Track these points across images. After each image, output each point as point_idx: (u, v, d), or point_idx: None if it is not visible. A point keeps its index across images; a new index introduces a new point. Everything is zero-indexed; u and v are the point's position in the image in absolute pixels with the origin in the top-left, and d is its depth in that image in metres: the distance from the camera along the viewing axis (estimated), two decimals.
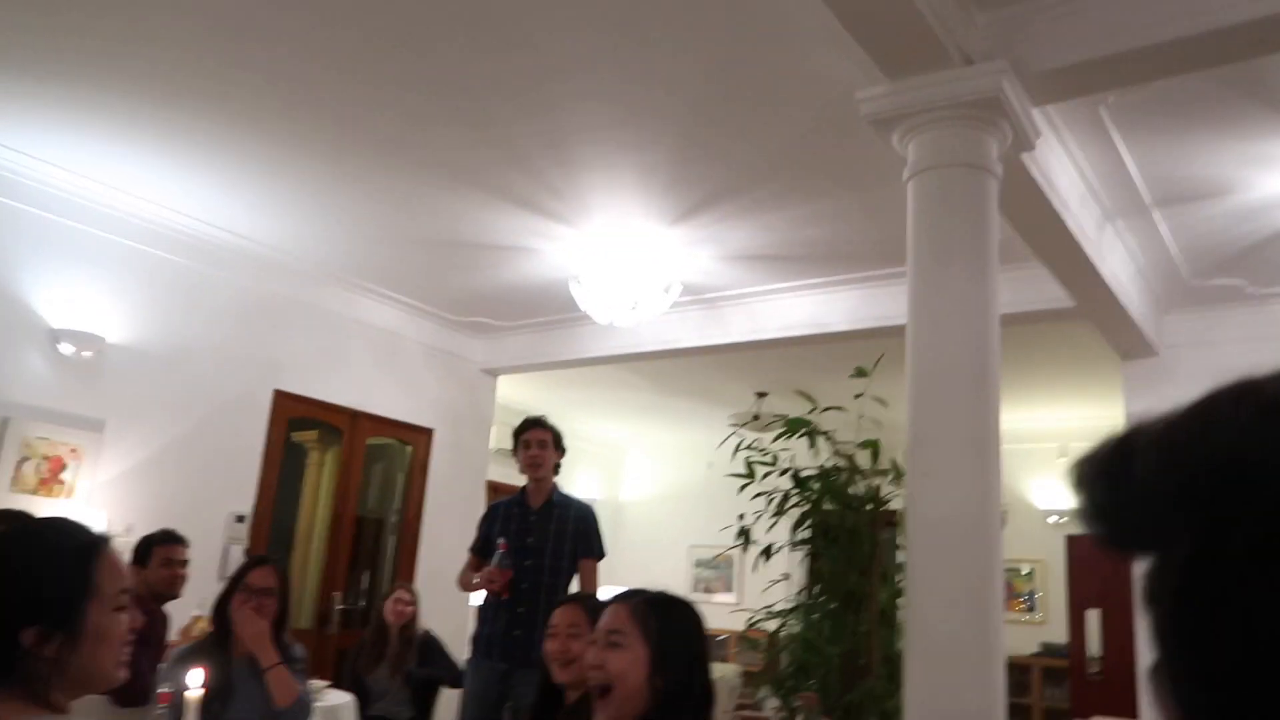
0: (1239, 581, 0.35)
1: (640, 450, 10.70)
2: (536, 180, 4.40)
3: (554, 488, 4.05)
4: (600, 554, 4.01)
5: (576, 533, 3.96)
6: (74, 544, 1.36)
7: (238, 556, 5.41)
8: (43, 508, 4.51)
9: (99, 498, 4.93)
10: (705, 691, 1.70)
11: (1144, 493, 0.39)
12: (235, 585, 3.01)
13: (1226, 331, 5.24)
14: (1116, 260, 4.48)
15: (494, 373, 7.35)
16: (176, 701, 2.41)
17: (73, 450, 4.88)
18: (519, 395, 8.07)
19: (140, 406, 5.20)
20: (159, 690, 2.46)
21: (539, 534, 3.92)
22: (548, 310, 6.40)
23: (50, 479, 4.79)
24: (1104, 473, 0.42)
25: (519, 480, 4.18)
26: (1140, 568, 0.40)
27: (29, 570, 1.32)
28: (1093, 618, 7.45)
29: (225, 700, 2.83)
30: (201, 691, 2.36)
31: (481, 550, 4.08)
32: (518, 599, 3.81)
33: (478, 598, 4.10)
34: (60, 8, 3.31)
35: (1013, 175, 3.27)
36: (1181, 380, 5.34)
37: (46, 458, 4.78)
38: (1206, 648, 0.37)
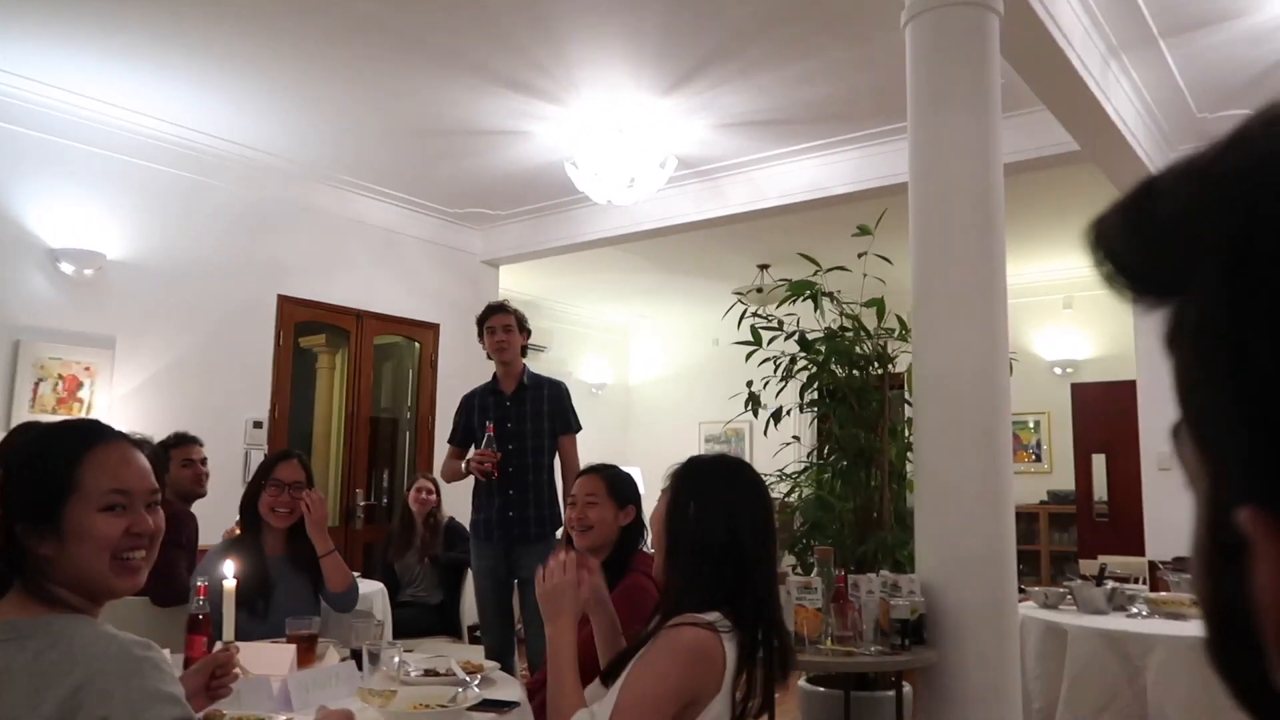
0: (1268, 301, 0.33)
1: (646, 332, 10.73)
2: (522, 57, 4.27)
3: (524, 370, 4.11)
4: (577, 428, 4.08)
5: (552, 411, 4.03)
6: (61, 443, 1.37)
7: (258, 462, 5.50)
8: None
9: (118, 413, 4.98)
10: (702, 530, 1.77)
11: (1168, 221, 0.37)
12: (263, 481, 3.05)
13: None
14: (1121, 98, 4.37)
15: (494, 263, 7.30)
16: (214, 594, 2.47)
17: (86, 368, 4.91)
18: (521, 284, 8.04)
19: (148, 320, 5.21)
20: (196, 585, 2.52)
21: (515, 417, 3.99)
22: (544, 195, 6.31)
23: (68, 398, 4.84)
24: (1125, 216, 0.40)
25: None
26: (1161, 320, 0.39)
27: (20, 469, 1.34)
28: (1098, 463, 7.58)
29: (268, 596, 2.90)
30: (234, 582, 2.42)
31: (461, 440, 4.16)
32: (506, 482, 3.91)
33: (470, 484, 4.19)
34: None
35: (1014, 12, 3.16)
36: None
37: (62, 377, 4.82)
38: (1232, 377, 0.35)
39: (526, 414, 4.02)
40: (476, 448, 3.99)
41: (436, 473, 6.11)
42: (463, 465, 4.04)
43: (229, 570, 2.43)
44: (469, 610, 5.54)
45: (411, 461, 6.79)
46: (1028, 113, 4.51)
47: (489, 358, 4.17)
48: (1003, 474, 2.95)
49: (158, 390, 5.22)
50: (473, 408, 4.15)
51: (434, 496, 5.38)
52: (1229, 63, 4.26)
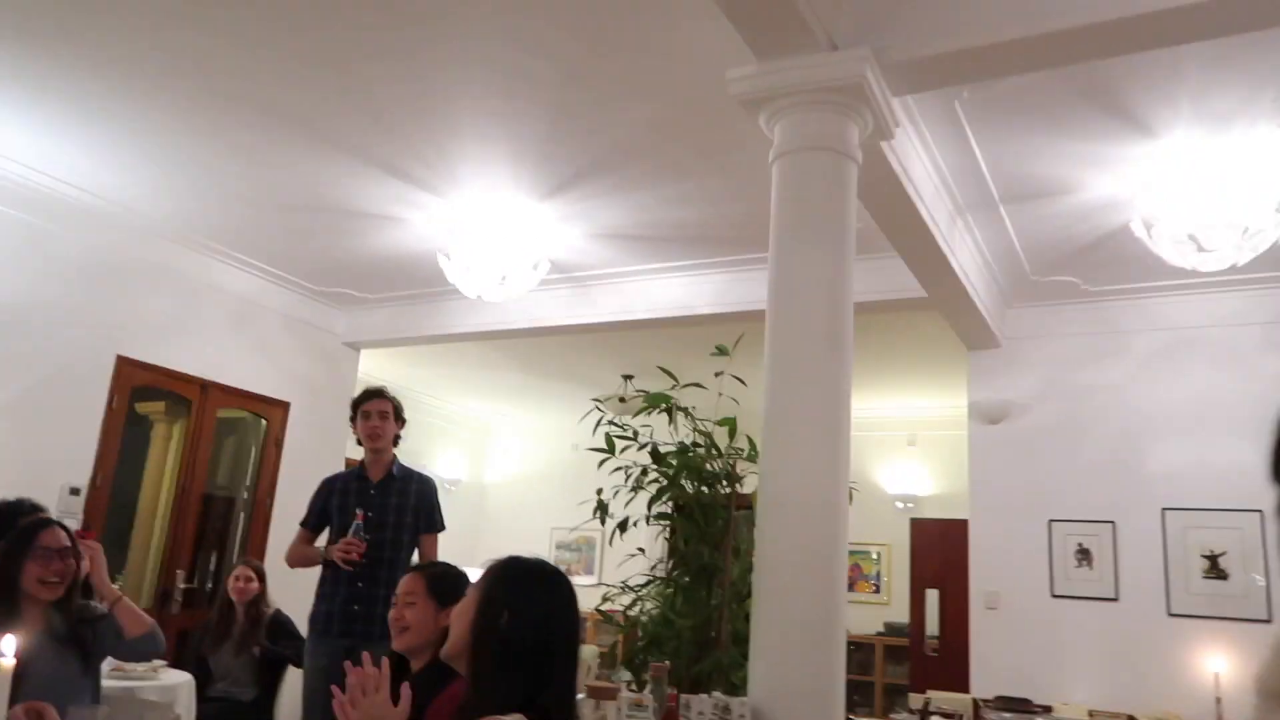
0: None
1: (506, 430, 10.61)
2: (405, 146, 4.28)
3: (393, 460, 4.01)
4: (441, 527, 3.99)
5: (418, 506, 3.92)
6: None
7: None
8: None
9: None
10: (515, 635, 1.73)
11: None
12: (24, 551, 2.79)
13: (1062, 326, 5.59)
14: (966, 253, 4.71)
15: (356, 346, 7.14)
16: None
17: None
18: (382, 370, 7.87)
19: None
20: None
21: (379, 508, 3.86)
22: (414, 283, 6.26)
23: None
24: None
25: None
26: None
27: None
28: (932, 598, 7.84)
29: (18, 679, 2.61)
30: (14, 661, 2.20)
31: (314, 524, 4.00)
32: (356, 574, 3.75)
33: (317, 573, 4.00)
34: None
35: (872, 162, 3.39)
36: (1020, 372, 5.67)
37: None
38: None
39: (391, 506, 3.89)
40: (337, 534, 3.82)
41: (273, 558, 5.81)
42: (318, 551, 3.86)
43: (8, 648, 2.20)
44: (284, 711, 5.19)
45: (243, 545, 6.42)
46: (883, 257, 4.79)
47: (359, 443, 4.04)
48: (837, 602, 2.99)
49: None
50: (333, 492, 3.99)
51: (255, 584, 5.06)
52: (1059, 233, 4.68)
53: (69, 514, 5.23)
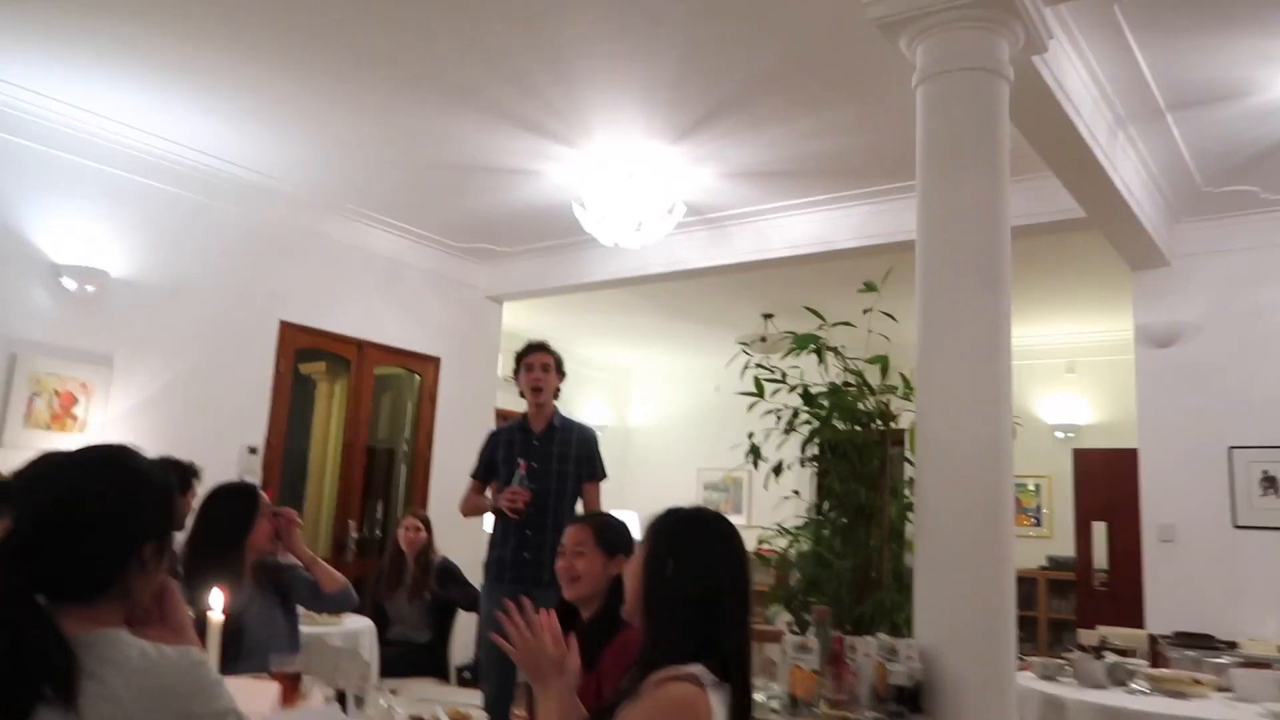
0: None
1: (647, 375, 10.71)
2: (535, 98, 4.30)
3: (555, 411, 4.10)
4: (602, 475, 4.08)
5: (579, 456, 4.01)
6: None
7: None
8: (57, 443, 4.54)
9: (112, 432, 4.96)
10: (682, 583, 1.76)
11: None
12: (256, 509, 3.01)
13: (1239, 240, 5.17)
14: (1128, 168, 4.39)
15: (499, 299, 7.31)
16: (199, 627, 2.42)
17: (83, 385, 4.89)
18: (525, 322, 8.04)
19: (147, 340, 5.20)
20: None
21: (542, 458, 3.96)
22: (551, 234, 6.34)
23: (63, 414, 4.81)
24: None
25: (525, 407, 4.20)
26: None
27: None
28: (1099, 530, 7.52)
29: (239, 632, 2.78)
30: (223, 616, 2.36)
31: (484, 475, 4.13)
32: (525, 522, 3.87)
33: (488, 522, 4.16)
34: None
35: (1024, 79, 3.19)
36: (1192, 290, 5.29)
37: (58, 393, 4.80)
38: None
39: (553, 455, 4.00)
40: (504, 485, 3.96)
41: (435, 507, 6.09)
42: (489, 501, 4.02)
43: (217, 602, 2.36)
44: (457, 651, 5.47)
45: (407, 495, 6.75)
46: (1034, 177, 4.53)
47: (521, 395, 4.16)
48: (1005, 540, 2.90)
49: (153, 411, 5.20)
50: (499, 444, 4.13)
51: (423, 534, 5.32)
52: (1234, 138, 4.29)
53: (249, 472, 5.61)
